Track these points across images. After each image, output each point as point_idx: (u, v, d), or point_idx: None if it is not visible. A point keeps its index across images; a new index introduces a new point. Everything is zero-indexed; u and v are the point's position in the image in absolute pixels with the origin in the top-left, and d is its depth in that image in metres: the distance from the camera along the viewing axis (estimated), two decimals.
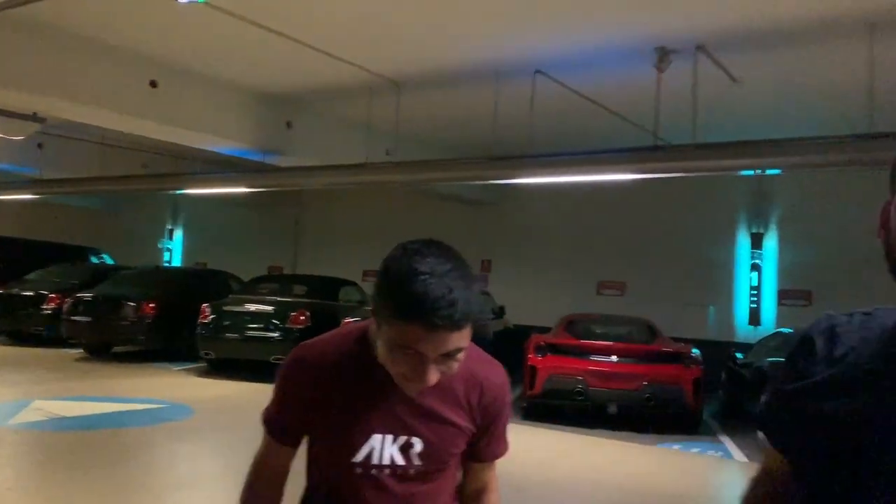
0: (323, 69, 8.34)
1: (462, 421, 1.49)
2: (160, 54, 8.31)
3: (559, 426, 8.37)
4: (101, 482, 5.21)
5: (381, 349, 1.34)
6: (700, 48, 7.03)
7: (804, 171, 9.18)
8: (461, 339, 1.28)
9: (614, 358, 8.58)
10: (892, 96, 6.91)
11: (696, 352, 8.66)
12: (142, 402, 8.27)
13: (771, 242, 12.28)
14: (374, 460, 1.43)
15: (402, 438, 1.44)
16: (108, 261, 16.80)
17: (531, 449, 7.36)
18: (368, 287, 13.76)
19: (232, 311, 10.77)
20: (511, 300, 12.86)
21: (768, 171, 8.30)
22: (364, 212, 16.04)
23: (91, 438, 6.59)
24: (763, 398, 1.08)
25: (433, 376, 1.30)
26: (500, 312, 12.03)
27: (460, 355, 1.31)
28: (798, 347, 1.02)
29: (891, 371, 0.90)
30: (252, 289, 11.99)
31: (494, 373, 1.54)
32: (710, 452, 7.62)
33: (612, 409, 8.47)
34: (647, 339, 9.18)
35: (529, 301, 13.35)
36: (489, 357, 1.56)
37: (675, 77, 7.27)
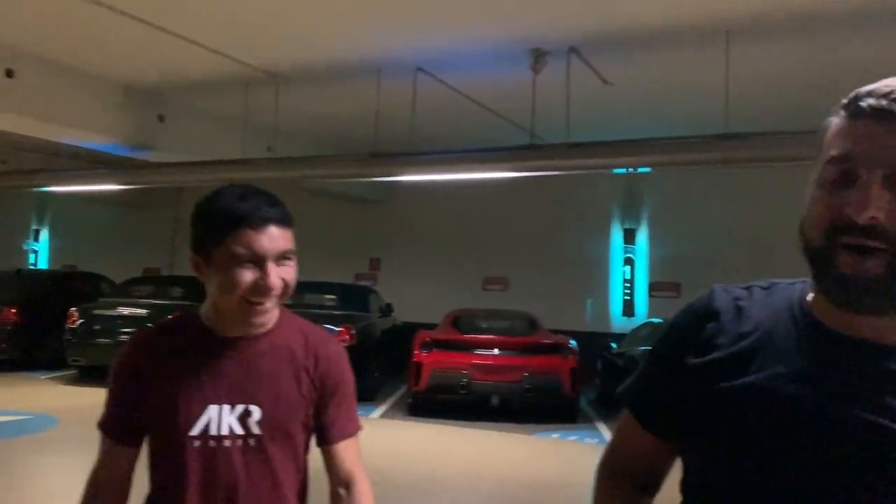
0: (197, 61, 8.06)
1: (301, 387, 1.49)
2: (17, 42, 7.77)
3: (444, 420, 8.48)
4: None
5: (217, 287, 1.39)
6: (573, 50, 7.29)
7: (671, 169, 9.71)
8: (288, 239, 1.42)
9: (496, 351, 8.78)
10: (745, 99, 7.42)
11: (573, 343, 8.99)
12: (3, 413, 7.73)
13: (642, 237, 12.93)
14: (213, 431, 1.41)
15: (240, 407, 1.43)
16: None
17: (416, 443, 7.43)
18: None
19: (103, 315, 10.24)
20: (399, 298, 12.90)
21: (639, 170, 8.71)
22: None
23: None
24: (630, 380, 1.09)
25: (275, 277, 1.37)
26: (387, 310, 12.04)
27: (292, 262, 1.42)
28: (698, 320, 1.02)
29: (804, 345, 0.93)
30: (125, 291, 11.45)
31: (331, 343, 1.58)
32: (587, 440, 7.94)
33: (495, 401, 8.66)
34: (527, 332, 9.45)
35: (417, 298, 13.43)
36: (326, 332, 1.63)
37: (550, 78, 7.51)
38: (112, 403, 1.49)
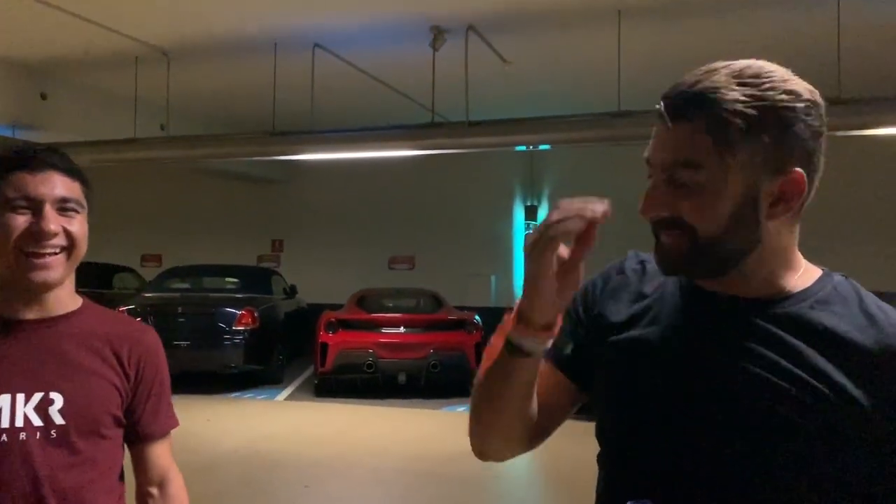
0: (82, 36, 7.63)
1: (111, 375, 1.35)
2: None
3: (352, 400, 8.48)
4: None
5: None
6: (471, 28, 7.35)
7: (568, 147, 9.96)
8: (73, 189, 1.30)
9: (402, 329, 8.85)
10: (636, 77, 7.68)
11: (478, 318, 9.15)
12: None
13: (543, 214, 13.23)
14: (5, 423, 1.24)
15: (38, 395, 1.27)
16: None
17: (323, 424, 7.40)
18: (148, 272, 13.01)
19: None
20: (304, 279, 12.73)
21: (541, 147, 8.90)
22: (140, 192, 14.96)
23: None
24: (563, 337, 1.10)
25: (53, 223, 1.25)
26: (291, 292, 11.87)
27: (80, 216, 1.31)
28: (608, 279, 1.10)
29: (682, 304, 0.99)
30: None
31: (145, 332, 1.46)
32: None
33: (402, 378, 8.72)
34: (432, 310, 9.54)
35: (323, 279, 13.30)
36: (140, 323, 1.54)
37: (449, 56, 7.54)
38: None
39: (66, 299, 1.36)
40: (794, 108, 0.87)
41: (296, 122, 8.35)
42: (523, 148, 9.65)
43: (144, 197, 14.71)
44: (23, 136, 9.52)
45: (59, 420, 1.27)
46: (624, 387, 0.99)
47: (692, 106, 0.88)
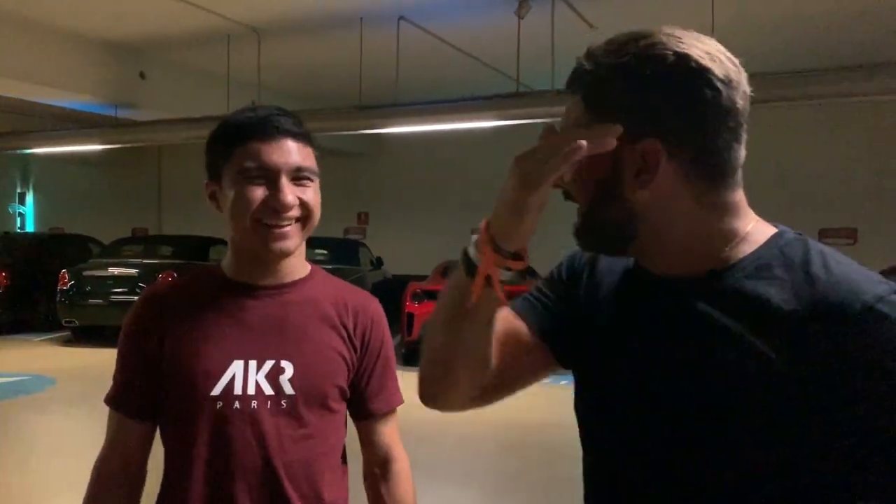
0: (176, 16, 7.93)
1: (339, 346, 1.29)
2: None
3: None
4: None
5: (229, 213, 1.23)
6: None
7: None
8: (307, 156, 1.24)
9: None
10: (728, 38, 7.39)
11: None
12: (0, 375, 7.80)
13: None
14: (237, 390, 1.20)
15: (269, 363, 1.22)
16: None
17: (410, 392, 7.54)
18: None
19: (94, 276, 10.24)
20: (389, 251, 12.95)
21: None
22: None
23: None
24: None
25: (290, 194, 1.21)
26: (377, 263, 12.08)
27: (313, 184, 1.26)
28: (574, 260, 1.07)
29: (624, 288, 0.97)
30: (115, 252, 11.41)
31: (368, 301, 1.38)
32: (562, 381, 8.08)
33: None
34: (521, 282, 9.52)
35: (407, 251, 13.48)
36: (363, 290, 1.42)
37: (534, 23, 7.44)
38: (122, 371, 1.29)
39: (297, 266, 1.31)
40: (657, 78, 0.81)
41: (381, 96, 8.44)
42: None
43: None
44: (123, 115, 10.01)
45: (288, 390, 1.22)
46: (582, 368, 1.00)
47: (576, 78, 0.87)
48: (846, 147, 11.23)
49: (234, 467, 1.20)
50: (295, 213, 1.22)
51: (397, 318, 9.42)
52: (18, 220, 18.93)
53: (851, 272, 0.81)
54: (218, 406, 1.20)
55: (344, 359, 1.29)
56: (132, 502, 1.29)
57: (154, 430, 1.29)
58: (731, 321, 0.82)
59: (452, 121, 8.28)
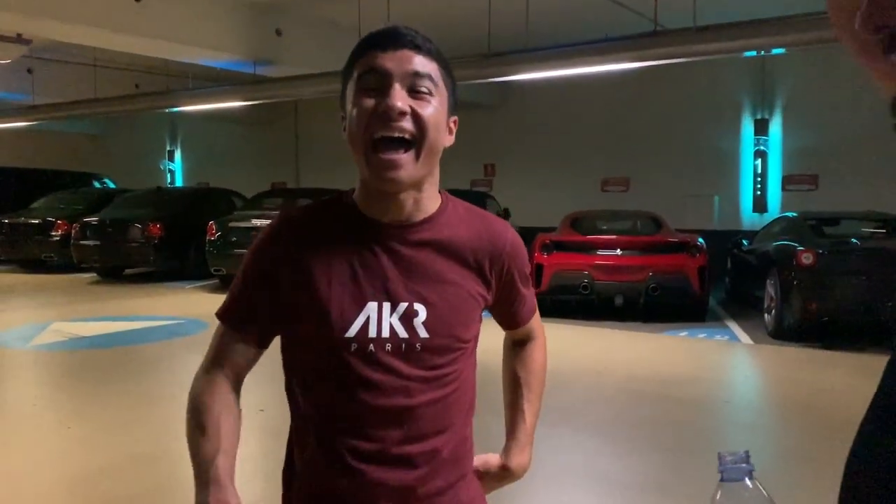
0: None
1: (473, 285, 1.25)
2: None
3: (569, 321, 8.51)
4: (126, 394, 5.38)
5: (348, 137, 1.16)
6: None
7: (808, 52, 8.93)
8: (427, 64, 1.14)
9: (619, 251, 8.64)
10: None
11: (701, 241, 8.69)
12: (158, 319, 8.44)
13: (776, 128, 12.12)
14: (372, 332, 1.17)
15: (403, 305, 1.19)
16: (110, 185, 16.78)
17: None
18: None
19: (238, 228, 10.82)
20: (516, 203, 12.86)
21: (773, 51, 8.08)
22: None
23: (112, 355, 6.77)
24: None
25: (399, 99, 1.11)
26: (505, 215, 12.03)
27: (433, 99, 1.15)
28: None
29: None
30: (256, 204, 12.00)
31: (503, 231, 1.31)
32: (717, 337, 7.78)
33: (619, 300, 8.58)
34: (651, 232, 9.21)
35: (534, 203, 13.34)
36: (498, 218, 1.36)
37: None
38: (242, 289, 1.24)
39: (426, 202, 1.23)
40: None
41: (512, 44, 8.27)
42: (753, 53, 8.80)
43: None
44: (261, 71, 10.37)
45: (423, 333, 1.19)
46: None
47: None
48: None
49: (368, 407, 1.18)
50: (406, 124, 1.12)
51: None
52: (168, 175, 20.28)
53: None
54: (353, 348, 1.17)
55: (478, 297, 1.26)
56: (238, 412, 1.25)
57: (259, 355, 1.27)
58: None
59: (586, 64, 7.98)
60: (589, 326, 8.28)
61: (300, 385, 1.23)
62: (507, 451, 1.40)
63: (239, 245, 10.61)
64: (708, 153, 12.51)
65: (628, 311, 8.62)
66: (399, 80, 1.11)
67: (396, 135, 1.11)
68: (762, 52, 8.37)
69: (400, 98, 1.11)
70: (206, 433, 1.20)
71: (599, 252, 8.68)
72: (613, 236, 8.95)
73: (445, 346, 1.21)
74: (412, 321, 1.18)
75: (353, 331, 1.16)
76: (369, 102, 1.11)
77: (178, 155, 20.35)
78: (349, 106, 1.15)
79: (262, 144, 18.23)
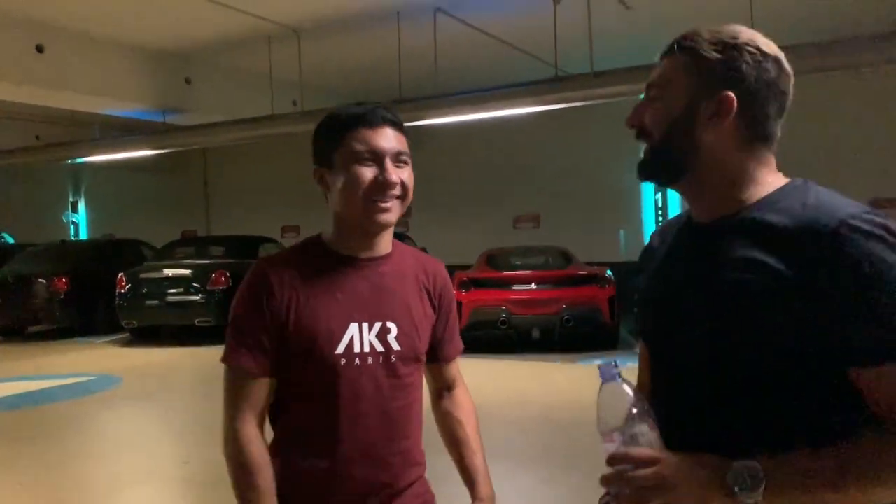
0: (218, 20, 8.15)
1: (426, 306, 1.53)
2: (45, 17, 7.92)
3: (487, 356, 8.70)
4: (45, 453, 5.20)
5: (340, 191, 1.42)
6: None
7: None
8: (403, 142, 1.44)
9: (533, 285, 8.95)
10: (767, 17, 7.32)
11: (609, 273, 9.11)
12: (69, 376, 8.14)
13: None
14: (356, 348, 1.41)
15: (378, 324, 1.44)
16: (9, 239, 16.06)
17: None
18: (289, 243, 13.74)
19: (150, 279, 10.57)
20: (433, 242, 13.05)
21: None
22: (277, 167, 15.79)
23: (25, 415, 6.51)
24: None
25: (394, 173, 1.41)
26: None
27: (409, 167, 1.45)
28: (645, 249, 1.31)
29: (679, 237, 1.21)
30: (168, 254, 11.75)
31: (439, 266, 1.62)
32: (629, 364, 8.06)
33: (535, 334, 8.85)
34: (562, 265, 9.58)
35: (450, 242, 13.57)
36: (433, 257, 1.67)
37: (570, 7, 7.47)
38: (248, 333, 1.41)
39: (388, 241, 1.51)
40: (741, 52, 1.08)
41: (421, 89, 8.55)
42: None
43: (282, 171, 15.49)
44: (170, 119, 10.29)
45: (395, 346, 1.44)
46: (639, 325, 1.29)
47: (677, 45, 1.13)
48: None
49: (357, 414, 1.40)
50: (397, 190, 1.42)
51: None
52: (72, 228, 19.54)
53: (834, 200, 1.04)
54: (342, 363, 1.40)
55: (429, 317, 1.54)
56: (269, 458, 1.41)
57: (272, 380, 1.43)
58: (741, 242, 1.06)
59: (493, 108, 8.35)
60: (508, 360, 8.49)
61: (295, 401, 1.44)
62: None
63: (151, 296, 10.34)
64: (612, 189, 13.12)
65: (544, 343, 8.89)
66: (389, 156, 1.41)
67: (389, 200, 1.41)
68: None
69: (394, 173, 1.41)
70: (251, 488, 1.37)
71: (515, 287, 8.96)
72: (528, 271, 9.28)
73: (411, 358, 1.48)
74: (387, 337, 1.44)
75: (341, 348, 1.40)
76: (367, 172, 1.40)
77: (81, 206, 19.66)
78: (341, 169, 1.42)
79: (171, 193, 17.88)
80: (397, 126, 1.44)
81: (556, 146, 13.29)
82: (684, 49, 1.12)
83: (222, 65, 10.05)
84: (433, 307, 1.55)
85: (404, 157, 1.44)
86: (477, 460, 1.62)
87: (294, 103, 9.97)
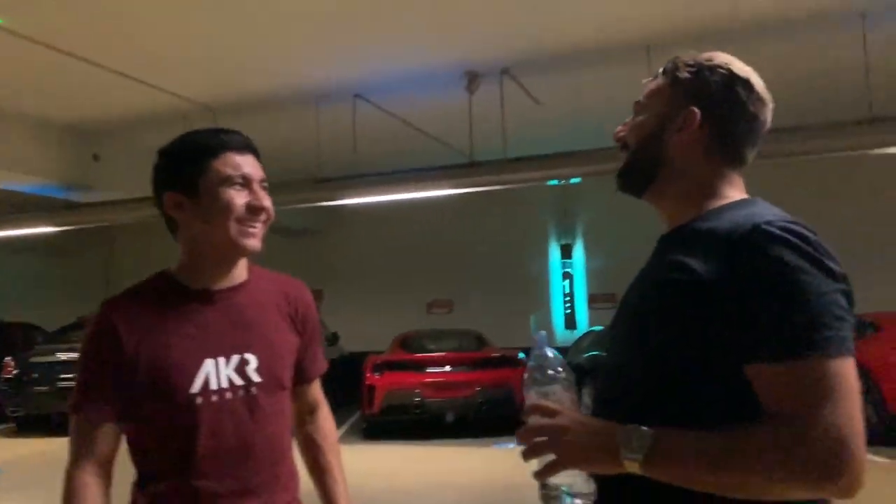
0: (131, 97, 8.04)
1: (287, 332, 1.50)
2: None
3: (401, 441, 8.53)
4: None
5: (207, 216, 1.38)
6: (505, 71, 7.61)
7: (597, 185, 10.10)
8: (261, 168, 1.46)
9: (448, 368, 8.91)
10: None
11: (521, 355, 9.20)
12: None
13: (578, 252, 13.36)
14: (213, 385, 1.36)
15: (235, 358, 1.40)
16: None
17: (375, 462, 7.45)
18: None
19: (41, 363, 9.91)
20: (344, 327, 12.89)
21: (571, 181, 9.07)
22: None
23: None
24: None
25: (265, 199, 1.42)
26: (334, 339, 12.01)
27: (267, 193, 1.45)
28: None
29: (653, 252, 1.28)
30: (61, 338, 11.09)
31: (302, 289, 1.60)
32: None
33: (450, 417, 8.76)
34: (476, 348, 9.61)
35: (363, 326, 13.43)
36: (294, 278, 1.64)
37: (485, 98, 7.80)
38: (92, 378, 1.36)
39: (243, 268, 1.49)
40: (712, 72, 1.19)
41: (339, 171, 8.63)
42: (556, 182, 9.79)
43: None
44: (74, 196, 9.93)
45: (255, 378, 1.41)
46: None
47: (663, 69, 1.26)
48: None
49: (216, 451, 1.36)
50: (264, 217, 1.43)
51: (355, 393, 9.34)
52: None
53: (767, 211, 1.09)
54: (198, 402, 1.35)
55: (293, 342, 1.51)
56: (106, 486, 1.37)
57: (121, 429, 1.39)
58: (680, 249, 1.11)
59: (409, 190, 8.50)
60: (421, 446, 8.33)
61: (152, 442, 1.38)
62: None
63: (41, 382, 9.66)
64: (523, 275, 13.44)
65: (459, 427, 8.80)
66: (257, 183, 1.42)
67: (258, 224, 1.42)
68: (562, 182, 9.38)
69: (265, 199, 1.42)
70: None
71: (429, 370, 8.89)
72: (442, 353, 9.24)
73: (274, 388, 1.44)
74: (245, 369, 1.40)
75: (196, 387, 1.35)
76: (240, 196, 1.39)
77: None
78: (210, 191, 1.38)
79: (67, 274, 17.01)
80: (257, 154, 1.46)
81: (470, 231, 13.57)
82: (666, 72, 1.24)
83: (134, 142, 9.84)
84: (297, 332, 1.53)
85: (265, 184, 1.45)
86: (338, 487, 1.61)
87: None
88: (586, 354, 8.91)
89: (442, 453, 8.03)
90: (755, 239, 1.02)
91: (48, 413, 9.89)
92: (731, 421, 0.99)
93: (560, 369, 1.13)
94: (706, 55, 1.22)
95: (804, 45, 7.08)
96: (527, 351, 7.49)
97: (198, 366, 1.36)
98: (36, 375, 9.74)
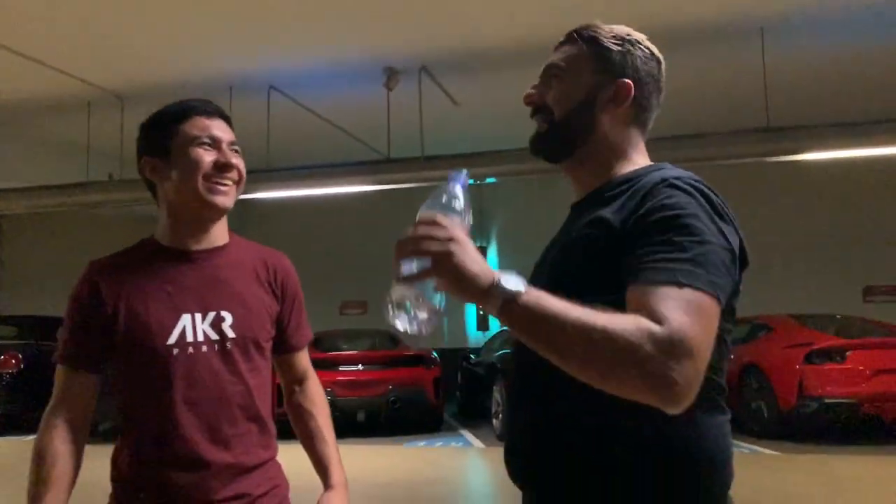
0: (35, 80, 7.66)
1: (264, 296, 1.58)
2: None
3: None
4: None
5: (178, 176, 1.47)
6: (424, 69, 7.66)
7: (511, 188, 10.28)
8: (232, 133, 1.54)
9: (360, 366, 8.85)
10: None
11: (435, 354, 9.24)
12: None
13: (492, 254, 13.52)
14: (189, 338, 1.45)
15: (212, 314, 1.48)
16: None
17: (284, 462, 7.31)
18: None
19: None
20: None
21: (487, 180, 9.17)
22: (85, 242, 14.59)
23: None
24: None
25: (233, 157, 1.50)
26: None
27: (240, 156, 1.53)
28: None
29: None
30: None
31: (283, 258, 1.68)
32: (453, 444, 8.18)
33: (361, 416, 8.69)
34: (389, 347, 9.58)
35: None
36: (275, 249, 1.71)
37: (403, 96, 7.82)
38: (72, 331, 1.47)
39: (222, 232, 1.57)
40: (635, 47, 1.25)
41: (252, 164, 8.42)
42: (471, 182, 9.89)
43: (89, 247, 14.35)
44: None
45: (230, 334, 1.49)
46: None
47: (578, 34, 1.28)
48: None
49: (196, 399, 1.44)
50: (234, 174, 1.51)
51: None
52: None
53: (674, 170, 1.16)
54: (175, 352, 1.44)
55: (269, 306, 1.58)
56: (78, 448, 1.45)
57: (99, 380, 1.49)
58: (596, 209, 1.16)
59: (325, 185, 8.41)
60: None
61: (135, 394, 1.47)
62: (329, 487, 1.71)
63: None
64: None
65: (370, 426, 8.75)
66: (226, 144, 1.49)
67: (227, 181, 1.50)
68: (477, 182, 9.48)
69: (233, 157, 1.50)
70: (39, 481, 1.38)
71: (341, 368, 8.80)
72: (354, 352, 9.17)
73: (248, 344, 1.51)
74: (220, 326, 1.48)
75: (173, 338, 1.44)
76: (207, 155, 1.47)
77: None
78: (179, 155, 1.47)
79: None
80: (228, 120, 1.54)
81: (384, 232, 13.41)
82: (585, 38, 1.26)
83: (33, 128, 9.37)
84: (274, 299, 1.59)
85: (236, 147, 1.52)
86: (329, 450, 1.70)
87: (110, 177, 9.43)
88: (497, 353, 9.02)
89: (354, 452, 7.90)
90: (663, 187, 1.09)
91: None
92: None
93: (457, 200, 1.09)
94: (620, 29, 1.27)
95: (707, 57, 7.44)
96: (440, 353, 7.52)
97: (175, 320, 1.44)
98: None
